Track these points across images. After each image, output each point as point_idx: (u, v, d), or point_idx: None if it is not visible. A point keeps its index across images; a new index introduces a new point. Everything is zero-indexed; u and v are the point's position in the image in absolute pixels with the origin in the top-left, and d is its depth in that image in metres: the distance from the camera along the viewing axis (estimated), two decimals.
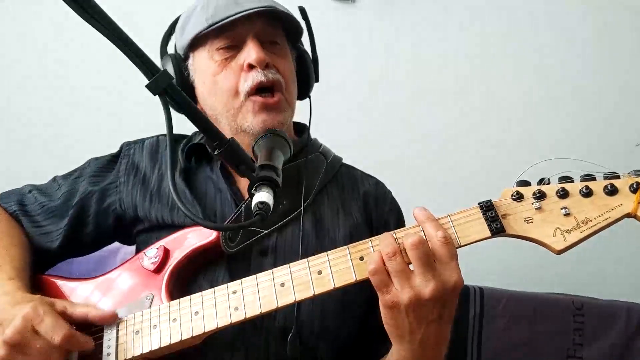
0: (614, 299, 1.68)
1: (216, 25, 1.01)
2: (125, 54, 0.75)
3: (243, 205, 1.04)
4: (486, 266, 1.81)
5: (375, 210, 1.13)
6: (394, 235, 0.84)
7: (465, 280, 1.71)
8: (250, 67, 1.01)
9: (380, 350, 1.02)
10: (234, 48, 1.04)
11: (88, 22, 0.72)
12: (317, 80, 1.17)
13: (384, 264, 0.81)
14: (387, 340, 0.97)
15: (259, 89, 1.02)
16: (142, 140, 1.19)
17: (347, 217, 1.09)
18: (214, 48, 1.04)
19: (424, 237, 0.81)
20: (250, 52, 1.01)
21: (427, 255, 0.79)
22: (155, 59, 0.99)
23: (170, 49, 1.16)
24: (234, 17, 1.00)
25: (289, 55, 1.10)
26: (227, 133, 0.97)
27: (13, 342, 0.86)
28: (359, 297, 1.05)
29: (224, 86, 1.03)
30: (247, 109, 1.02)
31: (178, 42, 1.10)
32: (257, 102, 1.01)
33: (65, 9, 0.71)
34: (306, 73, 1.14)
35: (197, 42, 1.05)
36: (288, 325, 0.98)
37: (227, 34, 1.03)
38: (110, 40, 0.74)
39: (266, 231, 1.04)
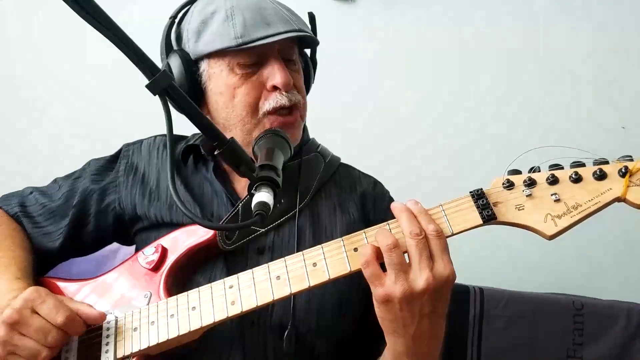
0: (614, 299, 1.68)
1: (247, 46, 0.99)
2: (125, 53, 0.76)
3: (240, 204, 1.05)
4: (486, 266, 1.82)
5: (373, 210, 1.14)
6: (387, 225, 0.85)
7: (465, 280, 1.72)
8: (274, 87, 1.01)
9: (377, 348, 1.02)
10: (257, 64, 1.03)
11: (88, 22, 0.73)
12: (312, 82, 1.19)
13: (377, 257, 0.81)
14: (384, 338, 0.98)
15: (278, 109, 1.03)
16: (140, 141, 1.20)
17: (344, 215, 1.09)
18: (235, 62, 1.02)
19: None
20: (276, 74, 1.01)
21: (424, 246, 0.79)
22: (155, 59, 1.00)
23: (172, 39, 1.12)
24: (267, 40, 0.99)
25: (301, 68, 1.11)
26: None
27: (11, 321, 0.87)
28: (357, 295, 1.05)
29: (243, 100, 1.02)
30: (264, 126, 1.02)
31: (190, 45, 1.06)
32: (277, 121, 1.02)
33: (65, 8, 0.72)
34: (308, 76, 1.14)
35: (216, 53, 1.03)
36: (285, 322, 0.98)
37: (252, 52, 1.01)
38: (110, 40, 0.74)
39: (263, 230, 1.04)
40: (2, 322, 0.87)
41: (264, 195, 0.84)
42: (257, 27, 1.00)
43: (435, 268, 0.79)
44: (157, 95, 0.80)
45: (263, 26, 1.00)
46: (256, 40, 0.99)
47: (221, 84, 1.04)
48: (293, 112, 1.04)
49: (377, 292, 0.81)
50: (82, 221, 1.13)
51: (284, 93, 1.01)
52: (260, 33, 0.99)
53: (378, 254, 0.82)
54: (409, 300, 0.79)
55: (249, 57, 1.02)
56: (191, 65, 1.05)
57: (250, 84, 1.02)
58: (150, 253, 1.02)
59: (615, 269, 1.89)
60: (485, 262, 1.82)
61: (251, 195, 0.86)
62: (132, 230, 1.14)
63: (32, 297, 0.89)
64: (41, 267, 1.12)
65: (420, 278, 0.78)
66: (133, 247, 1.18)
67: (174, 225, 1.06)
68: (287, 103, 1.02)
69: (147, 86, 0.78)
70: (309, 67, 1.15)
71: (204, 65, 1.06)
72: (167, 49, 1.09)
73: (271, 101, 1.02)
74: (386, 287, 0.79)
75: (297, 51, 1.10)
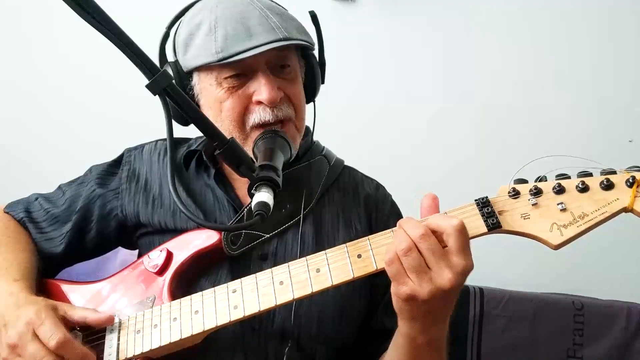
0: (614, 299, 1.68)
1: (228, 61, 0.97)
2: (125, 54, 0.75)
3: (245, 209, 1.05)
4: (486, 266, 1.81)
5: (375, 212, 1.13)
6: (404, 224, 0.81)
7: (465, 280, 1.72)
8: (260, 102, 0.99)
9: (379, 349, 1.02)
10: (244, 76, 1.00)
11: (88, 22, 0.72)
12: (322, 82, 1.14)
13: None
14: (387, 340, 0.97)
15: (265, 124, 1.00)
16: (142, 146, 1.19)
17: (347, 227, 1.09)
18: (222, 76, 1.00)
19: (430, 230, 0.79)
20: (262, 89, 0.98)
21: (437, 245, 0.77)
22: (155, 59, 0.99)
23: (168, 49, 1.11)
24: (247, 54, 0.95)
25: (299, 75, 1.07)
26: None
27: (12, 343, 0.88)
28: (357, 302, 1.05)
29: (229, 115, 1.00)
30: (252, 142, 1.00)
31: (180, 58, 1.05)
32: None
33: (65, 9, 0.71)
34: (313, 79, 1.11)
35: (203, 67, 1.01)
36: (286, 329, 0.99)
37: (237, 65, 0.98)
38: (110, 40, 0.74)
39: (268, 235, 1.04)
40: (5, 343, 0.89)
41: (264, 196, 0.84)
42: (238, 40, 0.96)
43: (454, 263, 0.77)
44: (157, 96, 0.80)
45: (245, 38, 0.97)
46: (236, 55, 0.96)
47: (210, 98, 1.02)
48: (284, 125, 1.02)
49: (400, 289, 0.79)
50: (84, 227, 1.13)
51: (268, 109, 0.99)
52: (240, 46, 0.96)
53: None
54: (436, 298, 0.77)
55: (234, 70, 0.99)
56: (184, 78, 1.04)
57: (236, 97, 1.00)
58: (155, 257, 1.02)
59: (615, 269, 1.90)
60: (485, 262, 1.82)
61: (251, 196, 0.86)
62: (136, 235, 1.13)
63: (33, 320, 0.89)
64: (47, 271, 1.12)
65: (442, 277, 0.76)
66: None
67: (178, 231, 1.05)
68: (270, 119, 0.99)
69: (147, 86, 0.78)
70: (314, 69, 1.10)
71: (195, 79, 1.04)
72: (162, 60, 1.08)
73: (255, 116, 0.99)
74: (410, 287, 0.77)
75: (297, 54, 1.07)
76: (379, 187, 1.19)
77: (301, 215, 1.05)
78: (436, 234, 0.78)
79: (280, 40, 0.97)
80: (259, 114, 0.99)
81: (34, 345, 0.87)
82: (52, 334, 0.87)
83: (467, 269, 0.77)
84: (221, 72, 1.00)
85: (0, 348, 0.90)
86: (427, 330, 0.84)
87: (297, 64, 1.07)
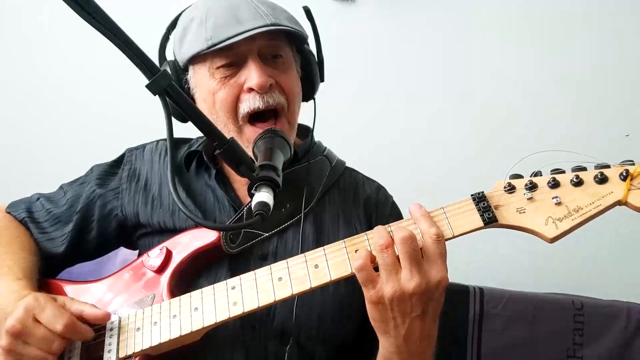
0: (614, 299, 1.67)
1: (217, 47, 0.98)
2: (125, 54, 0.76)
3: (245, 208, 1.05)
4: (486, 266, 1.82)
5: (375, 213, 1.14)
6: (387, 228, 0.85)
7: (465, 280, 1.72)
8: (251, 89, 0.99)
9: (376, 347, 1.03)
10: (235, 65, 1.01)
11: (88, 22, 0.73)
12: (322, 80, 1.15)
13: (371, 260, 0.82)
14: None
15: (258, 114, 1.01)
16: (143, 146, 1.20)
17: (348, 228, 1.09)
18: (214, 66, 1.01)
19: (415, 233, 0.82)
20: (252, 74, 0.98)
21: (416, 251, 0.80)
22: (155, 59, 1.00)
23: (168, 52, 1.13)
24: (235, 38, 0.97)
25: (292, 67, 1.07)
26: None
27: (15, 331, 0.88)
28: (357, 300, 1.04)
29: (223, 107, 1.01)
30: (247, 136, 1.01)
31: (177, 53, 1.07)
32: (258, 132, 0.99)
33: (65, 9, 0.72)
34: (311, 76, 1.11)
35: (196, 58, 1.03)
36: (286, 327, 0.99)
37: (228, 53, 0.99)
38: (110, 40, 0.75)
39: (267, 234, 1.05)
40: (5, 332, 0.88)
41: (264, 195, 0.84)
42: (227, 27, 0.98)
43: (428, 272, 0.80)
44: (157, 96, 0.80)
45: (234, 25, 0.98)
46: (226, 40, 0.97)
47: (204, 90, 1.03)
48: (277, 120, 1.02)
49: (369, 294, 0.82)
50: (85, 227, 1.14)
51: (257, 96, 0.99)
52: (230, 32, 0.97)
53: (372, 258, 0.83)
54: (399, 301, 0.80)
55: (225, 58, 1.00)
56: (180, 73, 1.05)
57: (228, 87, 1.01)
58: (155, 255, 1.03)
59: (615, 269, 1.89)
60: (485, 262, 1.82)
61: (251, 196, 0.86)
62: (135, 235, 1.14)
63: (33, 305, 0.89)
64: (49, 271, 1.12)
65: (410, 280, 0.79)
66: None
67: (177, 231, 1.06)
68: (261, 106, 0.99)
69: (147, 86, 0.79)
70: (312, 66, 1.11)
71: (190, 72, 1.06)
72: (162, 62, 1.09)
73: (245, 104, 1.00)
74: (377, 288, 0.81)
75: (292, 47, 1.07)
76: (379, 188, 1.19)
77: (302, 214, 1.05)
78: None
79: (268, 25, 0.98)
80: (249, 102, 1.00)
81: (41, 330, 0.88)
82: (58, 318, 0.88)
83: (436, 279, 0.80)
84: (213, 61, 1.01)
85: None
86: (402, 346, 0.85)
87: (292, 57, 1.08)
